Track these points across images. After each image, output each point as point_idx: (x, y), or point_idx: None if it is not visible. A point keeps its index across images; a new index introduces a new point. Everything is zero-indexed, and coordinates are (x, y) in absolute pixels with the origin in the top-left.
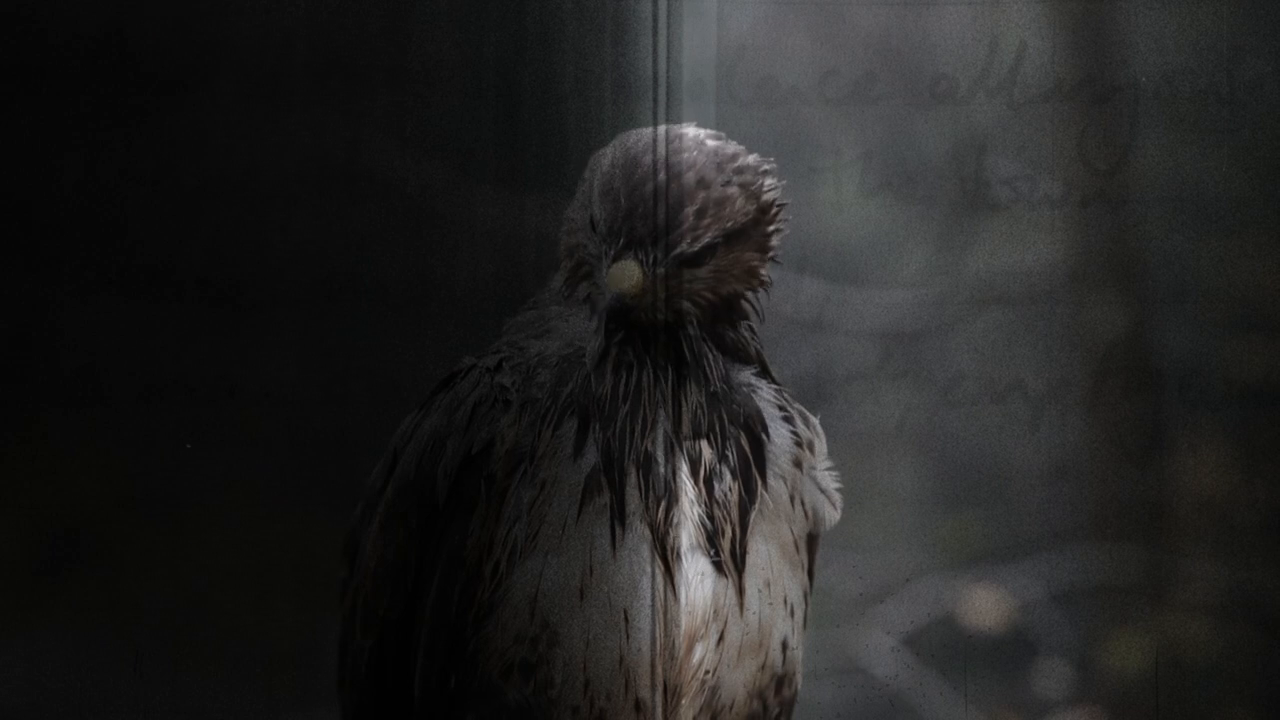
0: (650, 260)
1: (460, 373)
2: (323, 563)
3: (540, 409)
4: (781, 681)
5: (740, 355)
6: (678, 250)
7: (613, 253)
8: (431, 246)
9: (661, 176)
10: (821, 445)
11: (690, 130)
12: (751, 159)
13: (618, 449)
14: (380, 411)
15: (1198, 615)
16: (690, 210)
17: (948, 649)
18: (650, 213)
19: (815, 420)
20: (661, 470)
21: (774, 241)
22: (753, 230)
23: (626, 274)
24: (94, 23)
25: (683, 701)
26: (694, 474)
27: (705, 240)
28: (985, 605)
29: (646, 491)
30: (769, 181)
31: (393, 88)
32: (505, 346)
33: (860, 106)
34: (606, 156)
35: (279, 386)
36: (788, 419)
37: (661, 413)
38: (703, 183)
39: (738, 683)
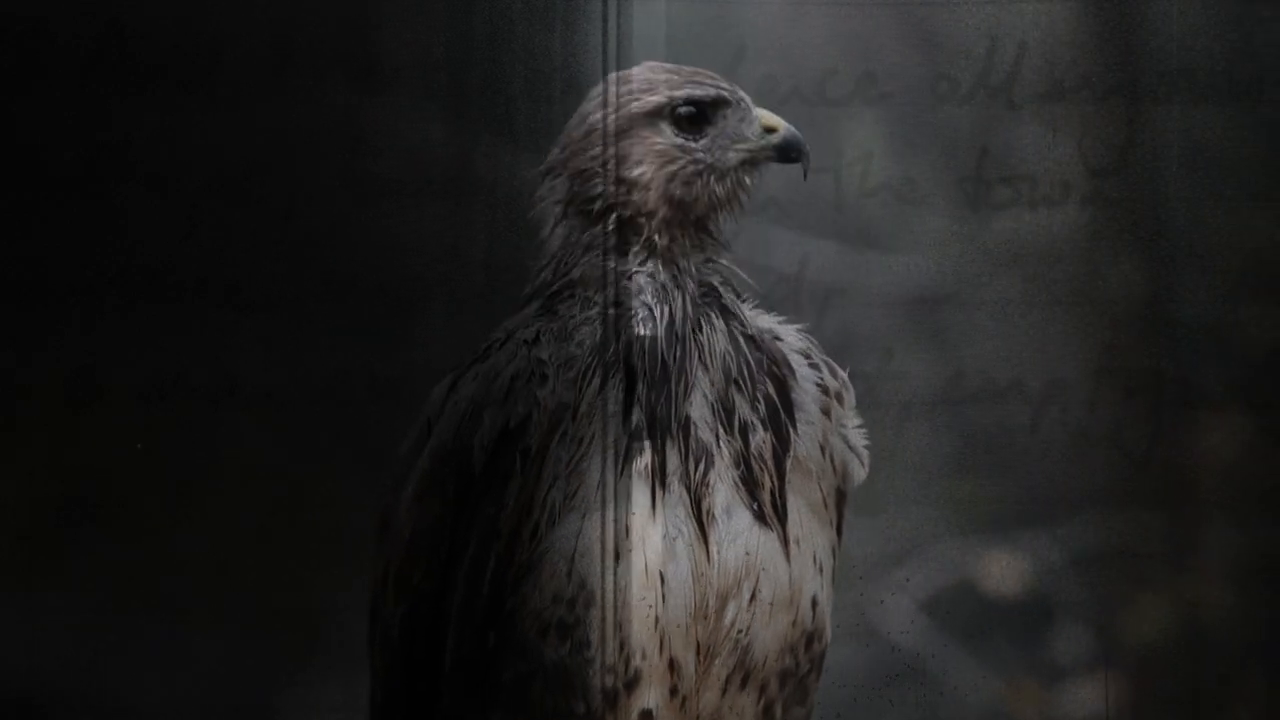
0: None
1: (496, 343)
2: (321, 560)
3: (581, 366)
4: (812, 637)
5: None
6: None
7: None
8: (427, 247)
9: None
10: (850, 398)
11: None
12: None
13: (662, 410)
14: (380, 411)
15: (1216, 580)
16: None
17: (966, 614)
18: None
19: (844, 373)
20: (700, 432)
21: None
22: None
23: None
24: (93, 23)
25: (716, 661)
26: (728, 427)
27: None
28: (1003, 570)
29: (686, 454)
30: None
31: (351, 88)
32: (536, 317)
33: (861, 107)
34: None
35: (279, 387)
36: (814, 366)
37: (701, 373)
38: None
39: (770, 640)
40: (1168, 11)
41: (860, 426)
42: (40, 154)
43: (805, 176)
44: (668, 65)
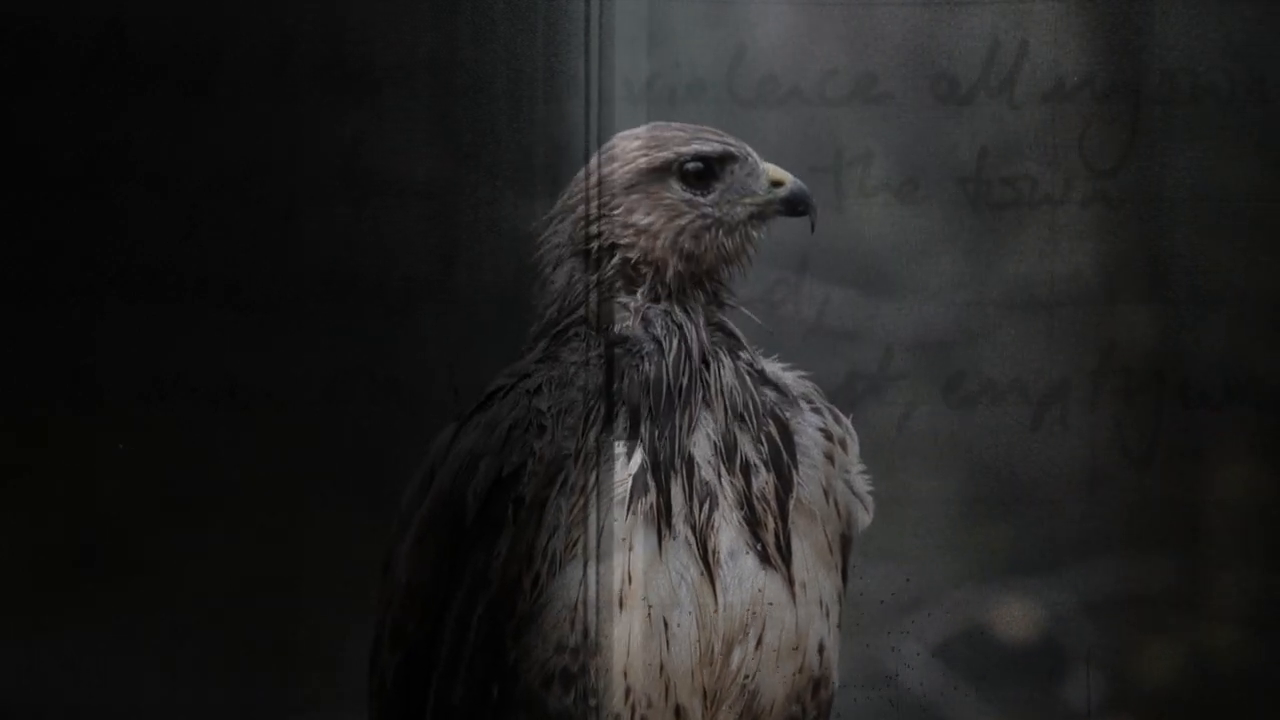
0: None
1: (500, 391)
2: (321, 561)
3: (583, 411)
4: (819, 684)
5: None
6: None
7: None
8: (425, 247)
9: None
10: (854, 445)
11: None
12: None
13: (665, 448)
14: (380, 411)
15: (1229, 624)
16: None
17: (978, 659)
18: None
19: (847, 420)
20: (702, 471)
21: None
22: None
23: None
24: (93, 23)
25: (723, 707)
26: (730, 466)
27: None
28: (1016, 615)
29: (690, 494)
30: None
31: (345, 88)
32: (540, 362)
33: (861, 107)
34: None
35: (279, 386)
36: (816, 411)
37: (704, 410)
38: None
39: (777, 686)
40: (1167, 11)
41: (864, 472)
42: (40, 154)
43: (813, 230)
44: (675, 124)
